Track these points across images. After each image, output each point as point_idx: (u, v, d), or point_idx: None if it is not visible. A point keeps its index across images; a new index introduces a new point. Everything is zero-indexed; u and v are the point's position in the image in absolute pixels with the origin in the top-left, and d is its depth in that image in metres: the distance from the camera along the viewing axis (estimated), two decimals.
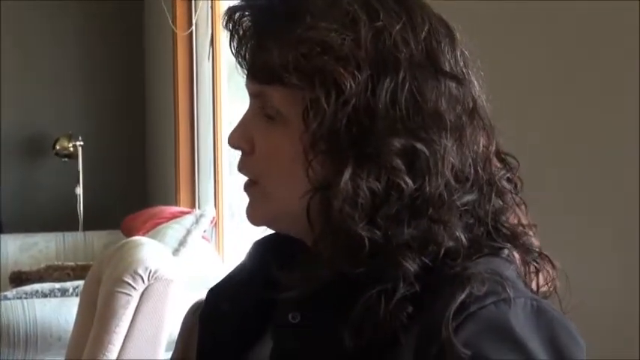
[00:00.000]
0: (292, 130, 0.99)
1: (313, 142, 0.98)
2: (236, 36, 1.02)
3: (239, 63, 1.04)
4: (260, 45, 1.01)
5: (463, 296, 0.92)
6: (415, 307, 0.94)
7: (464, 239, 0.97)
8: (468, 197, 0.99)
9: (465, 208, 0.99)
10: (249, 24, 1.02)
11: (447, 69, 0.99)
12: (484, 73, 1.06)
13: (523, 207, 1.06)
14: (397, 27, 0.98)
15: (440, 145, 0.97)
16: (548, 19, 2.08)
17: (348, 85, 0.96)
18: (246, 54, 1.03)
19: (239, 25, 1.02)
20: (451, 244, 0.96)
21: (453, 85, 0.99)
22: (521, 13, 2.18)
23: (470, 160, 0.99)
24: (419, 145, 0.96)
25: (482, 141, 1.01)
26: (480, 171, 1.00)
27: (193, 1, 4.83)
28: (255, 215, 1.06)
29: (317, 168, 0.98)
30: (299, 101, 0.98)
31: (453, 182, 0.98)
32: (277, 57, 0.99)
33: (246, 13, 1.02)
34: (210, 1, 4.71)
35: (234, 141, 1.05)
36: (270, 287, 1.06)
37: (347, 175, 0.96)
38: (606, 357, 1.62)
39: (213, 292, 1.18)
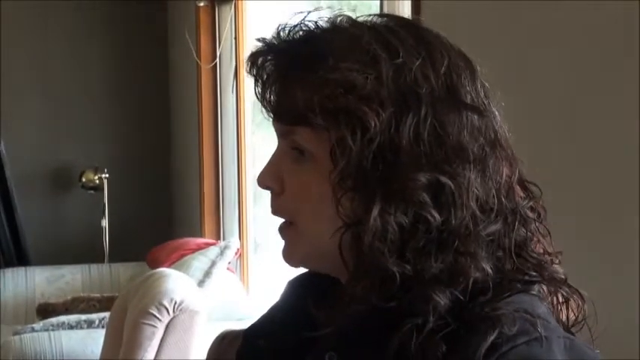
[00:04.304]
0: (321, 169, 1.01)
1: (341, 179, 0.99)
2: (260, 81, 1.04)
3: (264, 106, 1.05)
4: (284, 88, 1.02)
5: (494, 336, 0.92)
6: (450, 346, 0.94)
7: (490, 270, 0.98)
8: (493, 227, 0.99)
9: (491, 238, 0.99)
10: (272, 68, 1.03)
11: (468, 101, 1.00)
12: (497, 68, 1.07)
13: (547, 235, 1.06)
14: (417, 63, 0.99)
15: (464, 177, 0.98)
16: (548, 20, 2.10)
17: (373, 123, 0.97)
18: (271, 97, 1.04)
19: (262, 70, 1.03)
20: (478, 275, 0.97)
21: (474, 116, 1.00)
22: (521, 13, 2.20)
23: (494, 191, 1.00)
24: (443, 179, 0.97)
25: (505, 171, 1.02)
26: (503, 201, 1.01)
27: (217, 35, 4.87)
28: (291, 256, 1.07)
29: (346, 205, 0.99)
30: (325, 140, 1.00)
31: (478, 213, 0.98)
32: (302, 99, 1.00)
33: (269, 57, 1.03)
34: (234, 34, 4.74)
35: (263, 181, 1.06)
36: (306, 326, 1.06)
37: (376, 211, 0.97)
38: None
39: (251, 330, 1.18)
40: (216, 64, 4.85)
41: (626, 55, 1.84)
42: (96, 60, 5.74)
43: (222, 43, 4.81)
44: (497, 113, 1.04)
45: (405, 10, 2.80)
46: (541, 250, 1.04)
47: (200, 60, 4.87)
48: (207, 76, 4.91)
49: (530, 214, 1.04)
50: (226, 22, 4.77)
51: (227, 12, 4.78)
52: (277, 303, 1.17)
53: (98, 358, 3.48)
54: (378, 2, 3.01)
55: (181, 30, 5.12)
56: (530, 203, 1.04)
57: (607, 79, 1.93)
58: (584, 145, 2.01)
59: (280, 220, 1.07)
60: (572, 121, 2.05)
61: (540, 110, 2.12)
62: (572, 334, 1.02)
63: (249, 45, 4.65)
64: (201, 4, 4.86)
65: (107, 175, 5.49)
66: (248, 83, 4.67)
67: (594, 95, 1.99)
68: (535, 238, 1.04)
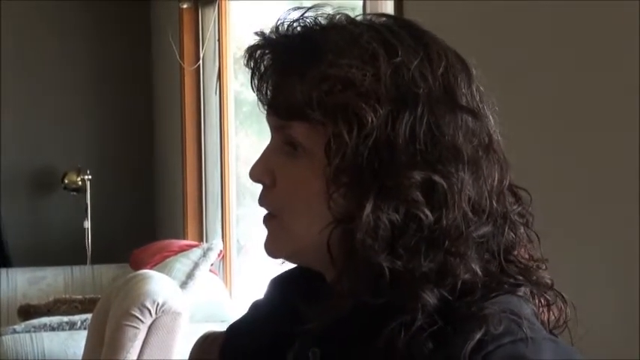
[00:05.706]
0: (314, 164, 1.01)
1: (335, 175, 0.99)
2: (257, 73, 1.04)
3: (260, 99, 1.06)
4: (282, 82, 1.03)
5: (480, 335, 0.93)
6: (436, 344, 0.95)
7: (479, 272, 0.98)
8: (484, 230, 1.00)
9: (481, 240, 1.00)
10: (270, 62, 1.03)
11: (464, 103, 1.01)
12: (481, 70, 1.08)
13: (535, 240, 1.07)
14: (415, 62, 1.00)
15: (457, 177, 0.98)
16: (547, 19, 2.10)
17: (370, 119, 0.97)
18: (267, 91, 1.04)
19: (260, 63, 1.04)
20: (467, 276, 0.97)
21: (469, 119, 1.01)
22: (505, 13, 2.21)
23: (486, 193, 1.01)
24: (437, 178, 0.98)
25: (496, 175, 1.02)
26: (494, 204, 1.02)
27: (200, 36, 4.87)
28: (274, 249, 1.06)
29: (339, 201, 0.99)
30: (321, 135, 1.00)
31: (470, 215, 0.99)
32: (300, 94, 1.00)
33: (267, 51, 1.04)
34: (217, 36, 4.74)
35: (255, 174, 1.06)
36: (289, 323, 1.07)
37: (369, 207, 0.97)
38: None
39: (234, 327, 1.19)
40: (199, 65, 4.85)
41: (626, 55, 1.84)
42: (78, 61, 5.73)
43: (205, 44, 4.81)
44: (491, 117, 1.05)
45: (388, 11, 2.81)
46: (527, 256, 1.05)
47: (183, 62, 4.86)
48: (190, 78, 4.91)
49: (519, 219, 1.05)
50: (209, 24, 4.77)
51: (210, 14, 4.78)
52: (260, 301, 1.17)
53: (80, 359, 3.47)
54: (361, 3, 3.01)
55: (164, 32, 5.11)
56: (519, 209, 1.05)
57: (605, 79, 1.93)
58: (581, 145, 2.01)
59: (264, 212, 1.07)
60: (564, 122, 2.06)
61: (527, 111, 2.12)
62: (555, 335, 1.03)
63: (233, 47, 4.66)
64: (185, 5, 4.86)
65: (90, 177, 5.48)
66: (231, 85, 4.67)
67: (585, 95, 1.99)
68: (522, 244, 1.05)
